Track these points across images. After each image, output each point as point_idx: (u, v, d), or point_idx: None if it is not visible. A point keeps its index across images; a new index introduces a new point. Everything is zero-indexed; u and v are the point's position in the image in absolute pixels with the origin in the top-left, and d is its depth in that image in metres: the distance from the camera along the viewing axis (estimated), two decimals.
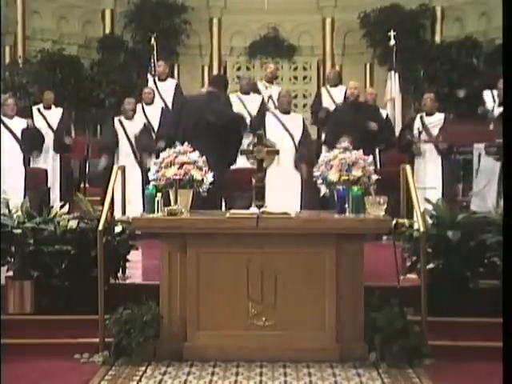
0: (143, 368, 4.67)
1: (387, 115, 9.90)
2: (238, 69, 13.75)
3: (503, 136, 3.99)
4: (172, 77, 10.93)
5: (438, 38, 12.99)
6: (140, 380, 4.47)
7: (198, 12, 13.54)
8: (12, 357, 4.76)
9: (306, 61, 13.91)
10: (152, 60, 11.83)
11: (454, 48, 12.09)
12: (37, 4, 12.65)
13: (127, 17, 13.23)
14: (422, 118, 8.26)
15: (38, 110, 9.69)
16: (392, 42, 12.12)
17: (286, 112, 8.12)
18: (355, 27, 13.18)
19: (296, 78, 13.90)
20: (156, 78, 10.63)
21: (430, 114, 8.26)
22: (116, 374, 4.58)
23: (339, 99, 9.71)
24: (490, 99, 8.50)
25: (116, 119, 8.70)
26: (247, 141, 6.01)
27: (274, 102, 9.40)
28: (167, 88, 10.32)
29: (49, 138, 9.30)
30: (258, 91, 9.89)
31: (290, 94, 8.82)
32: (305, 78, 13.82)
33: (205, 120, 6.53)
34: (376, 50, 13.04)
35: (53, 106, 9.83)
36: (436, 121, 8.13)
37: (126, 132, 8.56)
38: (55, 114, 9.70)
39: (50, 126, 9.44)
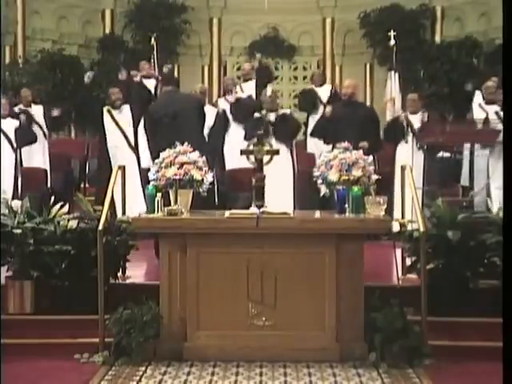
0: (143, 368, 4.67)
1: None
2: (238, 69, 13.72)
3: (503, 135, 3.99)
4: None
5: (437, 38, 13.00)
6: (140, 380, 4.47)
7: (198, 12, 13.56)
8: (12, 357, 4.76)
9: (306, 61, 13.94)
10: (152, 60, 11.83)
11: (454, 48, 12.08)
12: (37, 4, 12.66)
13: (127, 17, 13.25)
14: (406, 117, 8.24)
15: (20, 109, 9.49)
16: (392, 42, 12.11)
17: (274, 111, 8.13)
18: (355, 27, 13.20)
19: (296, 77, 13.94)
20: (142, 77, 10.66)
21: (413, 113, 8.27)
22: (116, 374, 4.59)
23: (326, 98, 9.97)
24: (480, 99, 8.51)
25: (105, 109, 8.64)
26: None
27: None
28: (151, 86, 10.37)
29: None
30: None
31: (275, 93, 8.84)
32: (305, 77, 13.81)
33: (175, 111, 6.51)
34: (376, 50, 13.05)
35: (32, 104, 9.66)
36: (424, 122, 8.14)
37: (115, 121, 8.52)
38: (37, 112, 9.58)
39: (36, 123, 9.37)
